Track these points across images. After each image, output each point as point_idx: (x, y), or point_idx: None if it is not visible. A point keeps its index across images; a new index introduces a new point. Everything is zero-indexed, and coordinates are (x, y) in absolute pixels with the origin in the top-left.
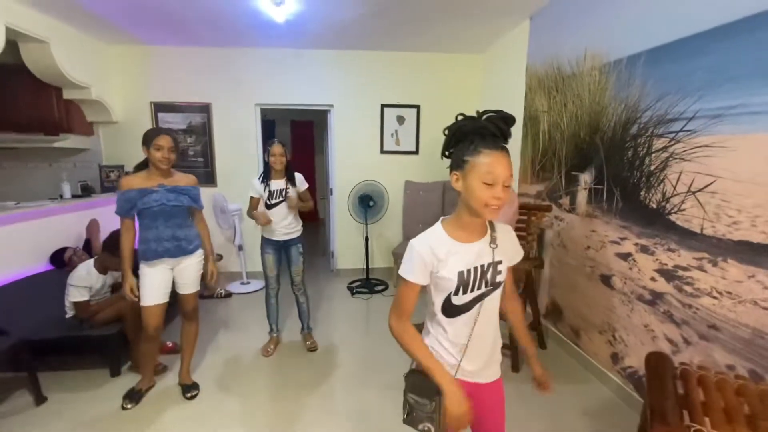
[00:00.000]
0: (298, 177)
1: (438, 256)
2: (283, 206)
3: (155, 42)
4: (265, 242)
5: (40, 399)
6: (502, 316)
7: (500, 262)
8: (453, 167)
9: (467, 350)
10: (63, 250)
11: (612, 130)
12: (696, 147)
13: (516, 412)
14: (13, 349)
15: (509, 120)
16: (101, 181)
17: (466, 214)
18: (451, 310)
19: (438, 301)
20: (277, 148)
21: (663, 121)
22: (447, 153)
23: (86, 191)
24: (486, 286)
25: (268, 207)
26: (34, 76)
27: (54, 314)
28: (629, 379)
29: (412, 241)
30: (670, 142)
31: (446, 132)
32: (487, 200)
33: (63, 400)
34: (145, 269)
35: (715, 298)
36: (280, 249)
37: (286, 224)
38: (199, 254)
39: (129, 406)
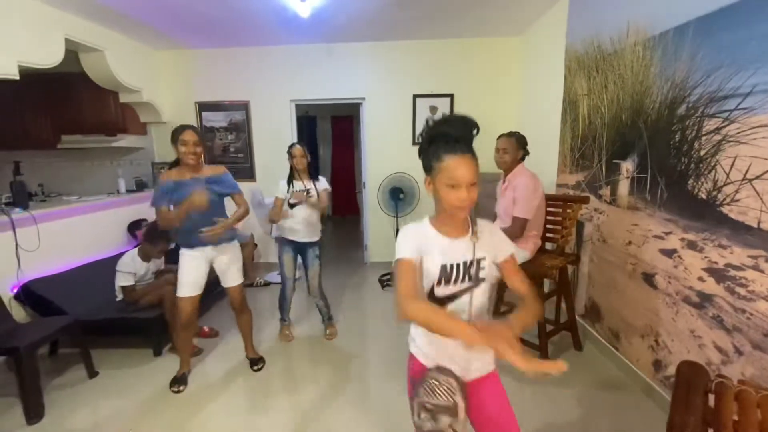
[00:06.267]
0: (322, 179)
1: (424, 241)
2: (303, 206)
3: (197, 45)
4: (284, 242)
5: (92, 373)
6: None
7: (483, 259)
8: (426, 172)
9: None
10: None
11: (656, 111)
12: (753, 127)
13: (545, 421)
14: (69, 328)
15: (468, 123)
16: (153, 177)
17: (444, 213)
18: (433, 300)
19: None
20: (297, 150)
21: (715, 99)
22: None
23: (140, 186)
24: (469, 281)
25: (291, 206)
26: (94, 83)
27: (106, 298)
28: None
29: (400, 230)
30: (723, 122)
31: (419, 139)
32: (453, 202)
33: (112, 375)
34: (185, 252)
35: None
36: (297, 251)
37: (306, 226)
38: (236, 244)
39: (181, 388)
